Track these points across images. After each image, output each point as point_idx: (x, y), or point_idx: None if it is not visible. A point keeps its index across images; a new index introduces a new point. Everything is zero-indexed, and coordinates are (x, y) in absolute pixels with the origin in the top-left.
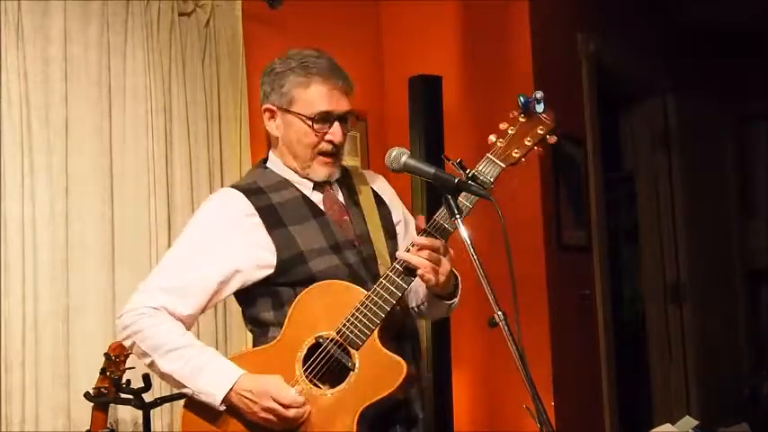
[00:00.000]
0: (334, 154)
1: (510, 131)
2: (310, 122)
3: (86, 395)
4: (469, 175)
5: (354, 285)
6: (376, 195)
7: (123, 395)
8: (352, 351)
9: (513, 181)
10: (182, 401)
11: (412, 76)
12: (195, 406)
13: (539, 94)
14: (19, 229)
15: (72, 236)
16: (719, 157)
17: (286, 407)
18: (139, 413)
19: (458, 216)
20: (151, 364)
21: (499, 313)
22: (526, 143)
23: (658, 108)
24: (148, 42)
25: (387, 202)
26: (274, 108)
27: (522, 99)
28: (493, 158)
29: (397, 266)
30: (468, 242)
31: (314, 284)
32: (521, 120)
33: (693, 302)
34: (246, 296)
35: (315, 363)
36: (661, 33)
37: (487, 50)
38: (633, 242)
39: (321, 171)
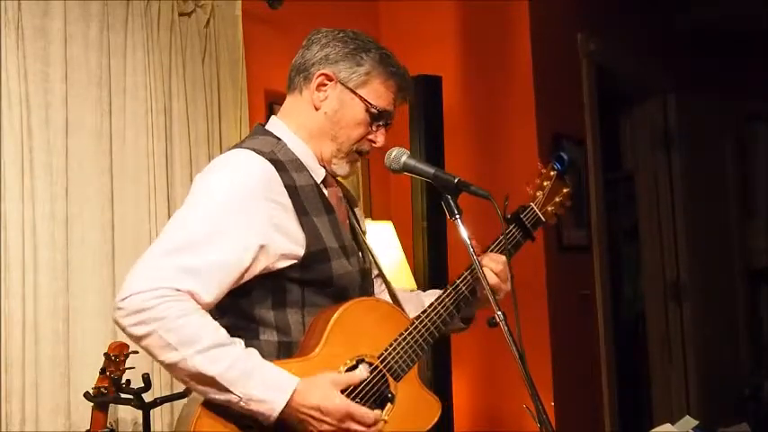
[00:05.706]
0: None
1: (545, 184)
2: (375, 111)
3: (86, 395)
4: (522, 216)
5: (398, 308)
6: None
7: (123, 395)
8: (392, 380)
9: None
10: (182, 401)
11: (412, 76)
12: (215, 411)
13: (567, 156)
14: (19, 229)
15: (72, 236)
16: (719, 157)
17: (369, 426)
18: (139, 413)
19: (457, 216)
20: (175, 364)
21: (499, 313)
22: (556, 200)
23: (658, 108)
24: (148, 42)
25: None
26: (335, 78)
27: (565, 157)
28: (537, 211)
29: (455, 291)
30: (468, 242)
31: (357, 300)
32: (551, 174)
33: (693, 302)
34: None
35: (354, 389)
36: (661, 33)
37: (487, 50)
38: (633, 242)
39: (347, 168)
